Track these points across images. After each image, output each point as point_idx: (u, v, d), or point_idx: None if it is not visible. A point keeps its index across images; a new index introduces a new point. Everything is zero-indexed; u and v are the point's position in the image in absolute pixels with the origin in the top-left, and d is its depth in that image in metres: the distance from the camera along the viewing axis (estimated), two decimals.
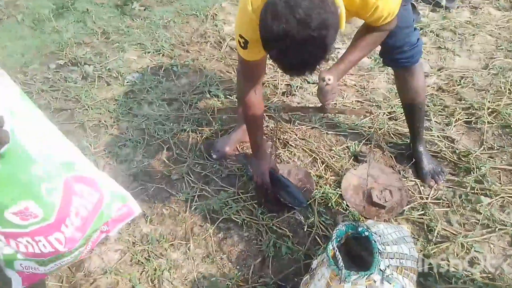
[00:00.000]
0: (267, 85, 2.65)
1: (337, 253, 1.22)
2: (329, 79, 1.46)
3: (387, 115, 2.36)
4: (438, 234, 1.70)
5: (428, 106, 2.34)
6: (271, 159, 1.91)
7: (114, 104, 2.59)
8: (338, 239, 1.32)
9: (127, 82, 2.76)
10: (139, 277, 1.65)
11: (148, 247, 1.74)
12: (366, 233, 1.30)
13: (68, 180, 0.87)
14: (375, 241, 1.28)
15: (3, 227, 0.82)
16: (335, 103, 2.40)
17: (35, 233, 0.89)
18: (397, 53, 1.73)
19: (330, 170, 2.04)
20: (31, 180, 0.83)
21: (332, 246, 1.27)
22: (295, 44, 1.07)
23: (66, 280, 1.67)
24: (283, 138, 2.23)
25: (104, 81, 2.79)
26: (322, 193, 1.89)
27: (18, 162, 0.79)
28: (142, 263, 1.69)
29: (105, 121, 2.45)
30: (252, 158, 1.90)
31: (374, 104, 2.44)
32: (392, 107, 2.40)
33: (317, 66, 1.17)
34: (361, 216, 1.79)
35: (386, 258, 1.31)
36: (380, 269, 1.23)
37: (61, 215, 0.88)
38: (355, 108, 2.42)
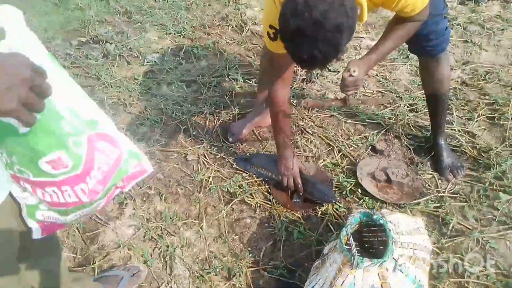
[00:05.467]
0: None
1: (351, 239, 1.21)
2: (354, 71, 1.44)
3: (408, 107, 2.32)
4: (453, 228, 1.67)
5: (450, 100, 2.29)
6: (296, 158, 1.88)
7: (133, 83, 2.61)
8: (352, 226, 1.31)
9: (147, 62, 2.77)
10: (151, 252, 1.67)
11: (161, 224, 1.76)
12: (381, 221, 1.29)
13: (92, 137, 0.92)
14: (389, 229, 1.26)
15: (35, 176, 0.87)
16: (356, 94, 2.37)
17: (63, 182, 0.94)
18: (424, 41, 1.69)
19: (346, 159, 2.02)
20: (61, 133, 0.86)
21: (346, 232, 1.26)
22: (307, 41, 1.12)
23: (80, 251, 1.70)
24: (300, 124, 2.21)
25: (124, 60, 2.81)
26: (337, 182, 1.88)
27: (51, 116, 0.84)
28: (155, 239, 1.71)
29: (124, 100, 2.47)
30: (279, 158, 1.85)
31: (395, 95, 2.40)
32: (413, 99, 2.36)
33: (328, 64, 1.23)
34: (377, 200, 1.77)
35: (399, 247, 1.30)
36: (393, 257, 1.22)
37: (86, 167, 0.93)
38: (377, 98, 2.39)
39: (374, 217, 1.30)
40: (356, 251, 1.19)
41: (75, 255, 1.69)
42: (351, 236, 1.22)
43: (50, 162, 0.85)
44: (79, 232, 1.77)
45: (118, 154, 0.97)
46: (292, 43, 1.17)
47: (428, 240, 1.41)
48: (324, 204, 1.80)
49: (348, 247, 1.22)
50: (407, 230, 1.37)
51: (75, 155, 0.88)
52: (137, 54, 2.86)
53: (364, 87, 2.47)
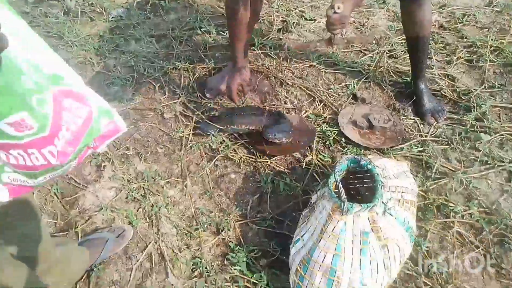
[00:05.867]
0: (261, 21, 2.52)
1: (340, 185, 1.19)
2: (338, 7, 1.37)
3: (387, 53, 2.28)
4: (436, 170, 1.69)
5: (429, 44, 2.25)
6: (246, 72, 1.90)
7: (99, 41, 2.44)
8: (340, 173, 1.29)
9: (112, 18, 2.60)
10: (136, 213, 1.62)
11: (143, 184, 1.70)
12: (369, 166, 1.27)
13: (57, 94, 0.83)
14: (377, 174, 1.25)
15: None
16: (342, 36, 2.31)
17: (29, 145, 0.86)
18: None
19: (328, 109, 1.98)
20: (23, 92, 0.79)
21: (335, 179, 1.24)
22: None
23: (61, 217, 1.63)
24: (280, 76, 2.14)
25: (87, 16, 2.62)
26: (320, 131, 1.85)
27: (10, 72, 0.74)
28: (138, 200, 1.65)
29: (91, 58, 2.32)
30: (229, 65, 1.88)
31: (373, 41, 2.35)
32: (392, 45, 2.32)
33: None
34: (360, 147, 1.76)
35: (388, 191, 1.29)
36: (382, 201, 1.21)
37: (54, 128, 0.85)
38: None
39: (362, 162, 1.28)
40: (345, 197, 1.18)
41: (55, 221, 1.62)
42: (339, 183, 1.20)
43: (12, 123, 0.77)
44: (57, 197, 1.69)
45: (88, 112, 0.89)
46: None
47: (414, 184, 1.42)
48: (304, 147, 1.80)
49: (337, 194, 1.20)
50: (394, 174, 1.36)
51: (41, 115, 0.80)
52: (101, 9, 2.67)
53: (342, 34, 2.41)
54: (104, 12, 2.65)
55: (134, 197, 1.66)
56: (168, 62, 2.26)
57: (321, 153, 1.78)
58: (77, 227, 1.58)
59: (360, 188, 1.49)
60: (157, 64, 2.26)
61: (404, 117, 1.92)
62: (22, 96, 0.78)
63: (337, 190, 1.22)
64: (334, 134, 1.83)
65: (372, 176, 1.27)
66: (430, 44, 2.28)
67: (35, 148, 0.86)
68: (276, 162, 1.76)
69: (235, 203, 1.63)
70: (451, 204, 1.57)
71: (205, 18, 2.55)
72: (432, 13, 2.51)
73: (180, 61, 2.27)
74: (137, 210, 1.63)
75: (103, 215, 1.63)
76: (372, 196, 1.22)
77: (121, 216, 1.61)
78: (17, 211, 1.06)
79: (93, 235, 1.53)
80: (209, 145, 1.83)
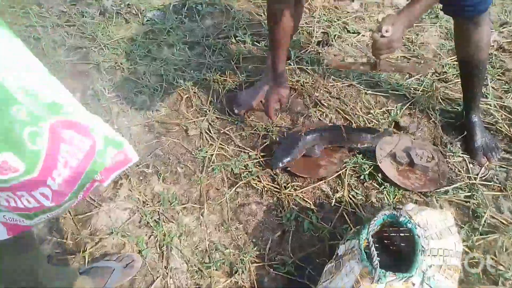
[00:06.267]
0: (300, 32, 2.35)
1: (372, 248, 1.03)
2: (386, 31, 1.19)
3: (436, 76, 2.05)
4: (485, 222, 1.48)
5: (486, 68, 2.01)
6: (286, 86, 1.71)
7: (132, 45, 2.37)
8: (374, 229, 1.12)
9: (147, 21, 2.52)
10: (147, 241, 1.53)
11: (159, 209, 1.60)
12: (409, 225, 1.10)
13: (55, 125, 0.72)
14: (418, 236, 1.08)
15: None
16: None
17: (17, 188, 0.78)
18: None
19: None
20: (11, 125, 0.70)
21: (367, 237, 1.08)
22: None
23: (71, 237, 1.56)
24: (315, 95, 1.97)
25: (122, 18, 2.56)
26: (354, 164, 1.67)
27: None
28: (151, 226, 1.55)
29: (121, 64, 2.25)
30: (264, 79, 1.74)
31: (422, 61, 2.13)
32: (443, 67, 2.09)
33: None
34: (399, 187, 1.57)
35: (428, 255, 1.11)
36: (421, 270, 1.04)
37: (47, 167, 0.75)
38: (410, 63, 2.12)
39: (401, 219, 1.11)
40: (378, 263, 1.01)
41: (65, 240, 1.55)
42: (372, 244, 1.03)
43: None
44: (70, 214, 1.62)
45: (91, 145, 0.79)
46: None
47: (459, 242, 1.22)
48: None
49: (368, 256, 1.04)
50: (437, 232, 1.18)
51: (29, 154, 0.71)
52: (136, 11, 2.60)
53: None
54: (139, 14, 2.58)
55: (148, 222, 1.56)
56: (199, 73, 2.15)
57: (353, 189, 1.61)
58: (86, 250, 1.50)
59: (396, 237, 1.31)
60: (187, 74, 2.15)
61: (452, 154, 1.70)
62: (8, 132, 0.68)
63: (368, 251, 1.05)
64: (370, 167, 1.65)
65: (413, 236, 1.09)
66: (487, 69, 2.03)
67: (25, 191, 0.76)
68: (302, 195, 1.61)
69: (253, 240, 1.50)
70: (501, 268, 1.36)
71: (241, 26, 2.41)
72: (491, 32, 2.26)
73: (211, 72, 2.15)
74: (149, 238, 1.53)
75: (113, 239, 1.55)
76: (408, 247, 1.05)
77: (131, 243, 1.52)
78: (13, 242, 0.98)
79: (99, 262, 1.44)
80: (232, 169, 1.70)
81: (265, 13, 2.45)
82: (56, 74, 2.20)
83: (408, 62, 2.12)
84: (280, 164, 1.63)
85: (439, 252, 1.14)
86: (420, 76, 2.04)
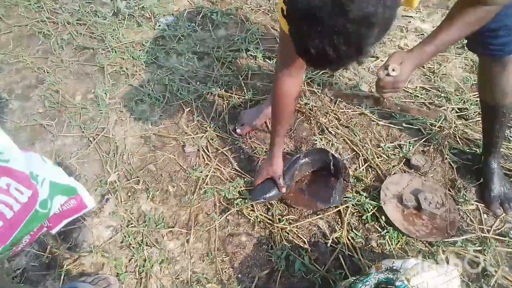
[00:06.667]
0: None
1: None
2: (393, 70, 1.08)
3: (456, 112, 1.91)
4: (496, 283, 1.33)
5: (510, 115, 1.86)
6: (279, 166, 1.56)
7: (140, 50, 2.29)
8: None
9: (159, 26, 2.44)
10: (127, 264, 1.43)
11: (143, 230, 1.50)
12: None
13: None
14: None
15: None
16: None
17: None
18: (489, 37, 1.28)
19: (373, 172, 1.67)
20: None
21: None
22: (319, 31, 0.77)
23: (50, 250, 1.47)
24: (322, 121, 1.86)
25: (134, 21, 2.49)
26: (357, 202, 1.55)
27: None
28: (133, 247, 1.46)
29: (126, 69, 2.17)
30: (268, 155, 1.58)
31: (442, 94, 1.99)
32: (464, 102, 1.94)
33: (344, 67, 0.87)
34: (403, 234, 1.44)
35: None
36: None
37: None
38: (422, 107, 1.99)
39: (397, 283, 0.98)
40: None
41: (43, 253, 1.47)
42: None
43: None
44: None
45: (30, 196, 0.71)
46: (297, 28, 0.82)
47: None
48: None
49: None
50: None
51: None
52: (150, 15, 2.52)
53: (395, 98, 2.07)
54: (152, 18, 2.51)
55: (130, 243, 1.47)
56: (205, 85, 2.06)
57: (353, 229, 1.48)
58: (63, 268, 1.41)
59: None
60: (192, 85, 2.06)
61: (464, 201, 1.56)
62: None
63: None
64: (374, 208, 1.53)
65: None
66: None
67: None
68: (297, 230, 1.49)
69: (239, 275, 1.38)
70: None
71: (254, 39, 2.31)
72: None
73: (218, 85, 2.06)
74: (129, 261, 1.43)
75: (93, 257, 1.45)
76: None
77: (110, 264, 1.42)
78: None
79: (73, 283, 1.35)
80: (225, 194, 1.59)
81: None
82: (60, 73, 2.11)
83: (419, 105, 1.99)
84: (261, 199, 1.52)
85: None
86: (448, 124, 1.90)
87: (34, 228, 0.74)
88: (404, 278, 1.00)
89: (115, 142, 1.81)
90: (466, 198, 1.56)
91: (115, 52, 2.27)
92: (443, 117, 1.26)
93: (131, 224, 1.53)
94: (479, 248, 1.43)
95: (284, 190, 1.52)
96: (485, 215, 1.53)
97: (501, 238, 1.46)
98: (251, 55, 2.22)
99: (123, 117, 1.93)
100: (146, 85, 2.08)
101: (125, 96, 2.03)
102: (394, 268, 1.03)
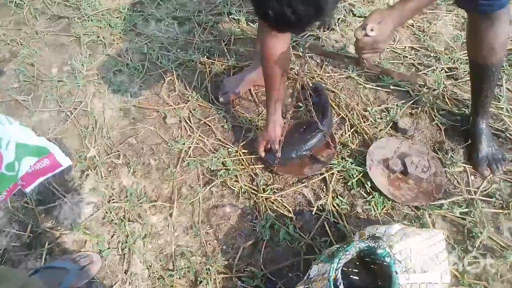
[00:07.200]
0: None
1: (341, 286, 0.89)
2: (371, 29, 1.01)
3: (445, 72, 1.85)
4: (481, 244, 1.32)
5: (502, 66, 1.81)
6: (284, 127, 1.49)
7: (117, 17, 2.19)
8: (346, 259, 0.98)
9: None
10: (110, 240, 1.41)
11: (125, 205, 1.47)
12: (387, 260, 0.95)
13: None
14: (396, 273, 0.93)
15: None
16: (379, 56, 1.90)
17: None
18: None
19: (360, 137, 1.63)
20: None
21: (336, 267, 0.94)
22: None
23: (30, 229, 1.44)
24: (308, 86, 1.80)
25: None
26: (343, 168, 1.52)
27: None
28: (116, 223, 1.43)
29: (103, 38, 2.08)
30: (266, 121, 1.51)
31: (432, 54, 1.92)
32: (454, 62, 1.88)
33: (305, 29, 0.87)
34: (388, 199, 1.42)
35: None
36: None
37: None
38: (411, 67, 1.92)
39: (379, 252, 0.96)
40: None
41: (24, 233, 1.44)
42: (341, 282, 0.89)
43: None
44: (32, 203, 1.50)
45: None
46: None
47: (447, 273, 1.08)
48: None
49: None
50: (421, 263, 1.03)
51: None
52: None
53: (394, 41, 2.00)
54: None
55: (112, 220, 1.44)
56: (186, 53, 1.97)
57: (339, 196, 1.46)
58: (44, 247, 1.39)
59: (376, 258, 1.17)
60: (172, 53, 1.98)
61: (452, 163, 1.53)
62: None
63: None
64: (359, 174, 1.50)
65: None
66: (503, 67, 1.82)
67: None
68: (281, 199, 1.46)
69: (224, 247, 1.37)
70: None
71: (237, 2, 2.21)
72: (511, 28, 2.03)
73: (199, 52, 1.97)
74: (112, 237, 1.41)
75: (74, 235, 1.43)
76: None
77: (93, 241, 1.40)
78: None
79: (55, 262, 1.33)
80: (209, 166, 1.55)
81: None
82: (34, 45, 2.00)
83: (408, 66, 1.92)
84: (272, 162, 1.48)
85: (420, 287, 1.00)
86: (428, 71, 1.84)
87: (3, 189, 0.74)
88: (387, 245, 0.98)
89: (94, 116, 1.75)
90: (454, 160, 1.53)
91: (91, 20, 2.17)
92: (424, 83, 1.21)
93: (113, 199, 1.49)
94: (465, 210, 1.41)
95: (278, 154, 1.47)
96: (472, 177, 1.51)
97: (488, 199, 1.44)
98: (233, 19, 2.12)
99: (101, 89, 1.86)
100: (124, 55, 2.00)
101: (102, 67, 1.95)
102: (376, 235, 1.01)
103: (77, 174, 1.58)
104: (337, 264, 0.94)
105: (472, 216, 1.39)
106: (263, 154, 1.51)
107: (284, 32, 0.94)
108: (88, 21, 2.17)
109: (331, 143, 1.51)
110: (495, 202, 1.43)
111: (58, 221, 1.47)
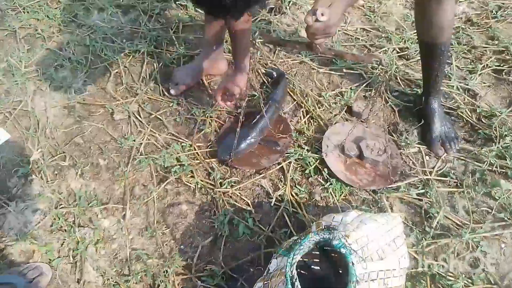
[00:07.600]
0: None
1: (297, 283, 0.87)
2: (322, 14, 0.97)
3: (397, 52, 1.86)
4: (438, 224, 1.34)
5: (451, 44, 1.83)
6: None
7: (56, 8, 2.04)
8: (301, 253, 0.95)
9: None
10: (60, 248, 1.32)
11: (74, 210, 1.38)
12: (343, 250, 0.93)
13: None
14: (353, 264, 0.92)
15: None
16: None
17: None
18: None
19: (315, 123, 1.60)
20: None
21: (291, 264, 0.91)
22: None
23: None
24: (261, 73, 1.75)
25: None
26: (300, 156, 1.49)
27: None
28: (65, 230, 1.35)
29: (42, 31, 1.93)
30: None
31: (383, 35, 1.92)
32: (405, 42, 1.89)
33: (236, 13, 0.91)
34: (346, 184, 1.41)
35: (366, 281, 0.96)
36: None
37: None
38: (364, 49, 1.91)
39: (334, 243, 0.94)
40: None
41: None
42: (296, 279, 0.87)
43: None
44: None
45: None
46: None
47: (405, 257, 1.08)
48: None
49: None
50: (378, 251, 1.03)
51: None
52: None
53: (345, 23, 1.98)
54: None
55: (61, 226, 1.35)
56: (131, 43, 1.87)
57: (297, 185, 1.44)
58: None
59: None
60: (117, 44, 1.87)
61: (406, 144, 1.54)
62: None
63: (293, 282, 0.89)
64: (316, 161, 1.48)
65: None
66: (452, 44, 1.85)
67: None
68: (239, 193, 1.42)
69: (181, 246, 1.32)
70: (450, 276, 1.24)
71: None
72: (459, 2, 2.06)
73: (146, 42, 1.87)
74: (61, 245, 1.33)
75: (21, 245, 1.33)
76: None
77: (41, 251, 1.31)
78: None
79: (1, 277, 1.24)
80: (162, 163, 1.48)
81: None
82: None
83: (360, 48, 1.91)
84: (229, 155, 1.44)
85: (379, 275, 1.00)
86: (381, 52, 1.84)
87: None
88: (342, 235, 0.96)
89: (36, 116, 1.63)
90: (408, 142, 1.54)
91: (27, 12, 2.01)
92: (379, 62, 1.20)
93: (61, 205, 1.40)
94: (422, 191, 1.42)
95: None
96: (427, 157, 1.53)
97: (443, 178, 1.46)
98: (181, 5, 2.03)
99: (43, 86, 1.73)
100: (65, 48, 1.87)
101: (42, 63, 1.82)
102: (331, 226, 0.99)
103: (20, 180, 1.47)
104: (292, 259, 0.91)
105: (429, 196, 1.41)
106: (220, 102, 1.51)
107: (219, 15, 0.91)
108: (24, 12, 2.01)
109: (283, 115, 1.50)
110: (450, 181, 1.46)
111: (3, 231, 1.37)
